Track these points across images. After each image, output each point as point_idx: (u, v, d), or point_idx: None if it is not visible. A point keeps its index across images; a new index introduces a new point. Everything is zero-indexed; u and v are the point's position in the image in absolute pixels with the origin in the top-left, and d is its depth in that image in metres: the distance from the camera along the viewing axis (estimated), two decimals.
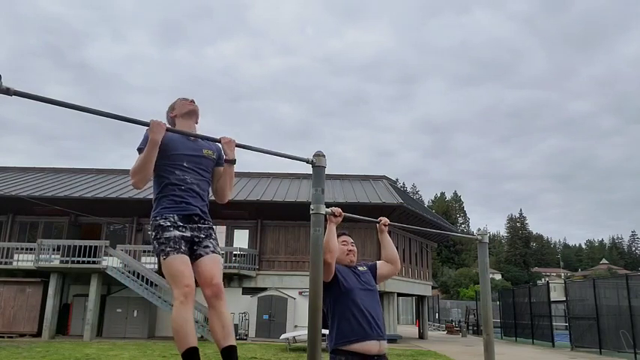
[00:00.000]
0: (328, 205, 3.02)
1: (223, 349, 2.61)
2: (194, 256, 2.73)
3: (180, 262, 2.59)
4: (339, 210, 3.11)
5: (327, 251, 2.98)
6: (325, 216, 3.04)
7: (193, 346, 2.52)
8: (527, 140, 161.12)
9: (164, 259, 2.62)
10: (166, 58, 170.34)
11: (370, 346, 2.97)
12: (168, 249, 2.61)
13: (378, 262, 3.46)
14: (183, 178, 2.76)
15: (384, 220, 3.47)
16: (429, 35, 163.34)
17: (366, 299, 3.07)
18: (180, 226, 2.69)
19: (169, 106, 3.08)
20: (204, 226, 2.81)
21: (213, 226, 2.92)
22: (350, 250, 3.26)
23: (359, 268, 3.25)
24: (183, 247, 2.65)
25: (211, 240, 2.81)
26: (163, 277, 2.70)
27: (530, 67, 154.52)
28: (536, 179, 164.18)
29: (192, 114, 3.01)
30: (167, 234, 2.64)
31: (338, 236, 3.21)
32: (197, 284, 2.68)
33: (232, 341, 2.63)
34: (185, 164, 2.79)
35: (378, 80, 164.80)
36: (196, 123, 3.05)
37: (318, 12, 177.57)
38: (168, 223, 2.67)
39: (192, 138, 2.91)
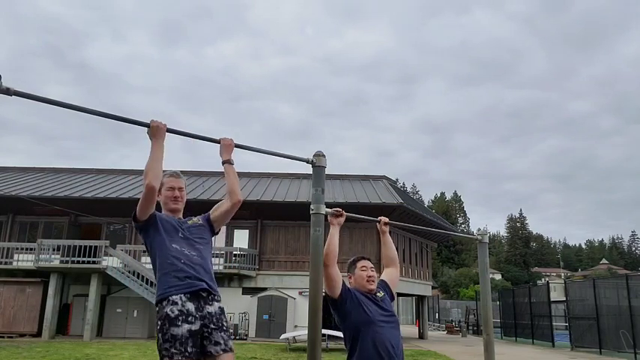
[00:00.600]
0: (328, 205, 3.02)
1: None
2: (204, 353, 2.60)
3: None
4: (341, 210, 3.10)
5: (324, 254, 2.94)
6: (326, 216, 3.05)
7: None
8: (527, 140, 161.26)
9: None
10: (166, 58, 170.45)
11: None
12: (173, 351, 2.48)
13: (384, 277, 3.37)
14: (181, 251, 2.72)
15: (384, 219, 3.43)
16: (429, 35, 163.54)
17: (387, 330, 2.97)
18: (189, 315, 2.57)
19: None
20: (212, 308, 2.67)
21: (222, 307, 2.79)
22: (370, 277, 3.09)
23: (377, 294, 3.13)
24: (189, 349, 2.51)
25: (222, 332, 2.66)
26: None
27: (530, 67, 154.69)
28: (536, 179, 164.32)
29: (176, 212, 2.95)
30: (174, 330, 2.51)
31: (358, 260, 3.16)
32: None
33: None
34: (180, 234, 2.79)
35: (377, 80, 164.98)
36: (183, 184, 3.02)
37: (318, 12, 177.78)
38: (177, 312, 2.54)
39: (177, 217, 2.92)
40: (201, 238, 2.87)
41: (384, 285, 3.28)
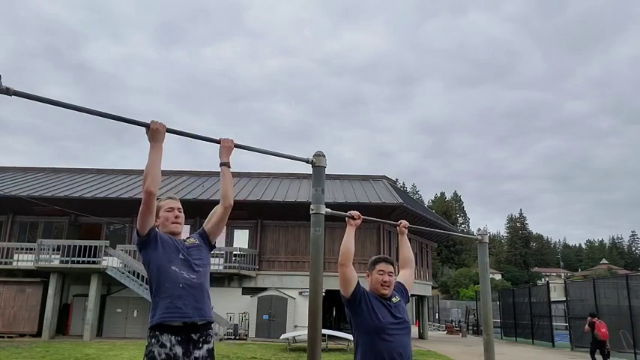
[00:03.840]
0: (328, 205, 3.02)
1: None
2: None
3: None
4: (358, 213, 3.15)
5: (341, 254, 2.98)
6: (332, 217, 3.07)
7: None
8: (525, 141, 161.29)
9: None
10: (165, 59, 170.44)
11: None
12: None
13: (400, 280, 3.36)
14: (181, 274, 2.72)
15: (404, 223, 3.60)
16: (426, 36, 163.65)
17: (397, 337, 2.95)
18: (173, 356, 2.60)
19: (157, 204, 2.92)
20: (200, 352, 2.69)
21: (212, 345, 2.79)
22: (385, 282, 3.05)
23: (393, 299, 3.11)
24: None
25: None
26: None
27: (527, 68, 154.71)
28: (535, 179, 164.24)
29: (176, 234, 2.93)
30: None
31: (378, 262, 3.13)
32: None
33: None
34: (180, 256, 2.78)
35: (375, 81, 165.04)
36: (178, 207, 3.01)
37: (316, 13, 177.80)
38: (164, 356, 2.58)
39: (176, 238, 2.90)
40: (199, 260, 2.85)
41: (400, 287, 3.27)
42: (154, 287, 2.72)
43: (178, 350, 2.60)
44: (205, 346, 2.71)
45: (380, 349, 2.87)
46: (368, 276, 3.16)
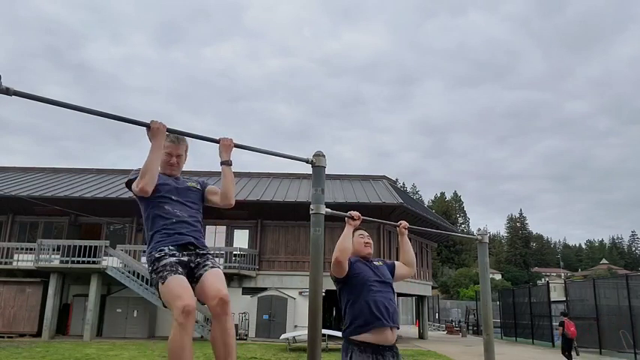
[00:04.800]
0: (328, 206, 3.02)
1: None
2: (195, 278, 2.68)
3: (177, 282, 2.51)
4: (358, 214, 3.23)
5: (338, 250, 3.07)
6: (333, 217, 3.10)
7: None
8: (525, 141, 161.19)
9: (162, 283, 2.54)
10: (165, 59, 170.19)
11: (383, 336, 3.06)
12: (165, 273, 2.55)
13: (396, 262, 3.56)
14: (173, 212, 2.80)
15: (404, 223, 3.64)
16: (426, 36, 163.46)
17: (380, 290, 3.15)
18: (175, 254, 2.67)
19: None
20: (201, 252, 2.79)
21: (211, 253, 2.90)
22: (367, 243, 3.36)
23: (374, 262, 3.34)
24: (180, 270, 2.60)
25: (209, 260, 2.78)
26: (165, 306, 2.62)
27: (527, 68, 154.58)
28: (535, 179, 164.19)
29: (171, 177, 2.97)
30: (163, 262, 2.61)
31: (356, 229, 3.33)
32: (202, 304, 2.68)
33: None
34: (173, 197, 2.85)
35: (375, 81, 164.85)
36: (185, 151, 3.05)
37: (316, 13, 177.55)
38: (163, 254, 2.65)
39: (176, 177, 2.98)
40: (193, 203, 2.95)
41: (389, 264, 3.46)
42: (149, 225, 2.82)
43: (177, 252, 2.71)
44: (205, 250, 2.82)
45: (367, 302, 3.07)
46: None
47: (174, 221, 2.77)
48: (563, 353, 13.90)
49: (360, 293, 3.10)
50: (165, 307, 2.59)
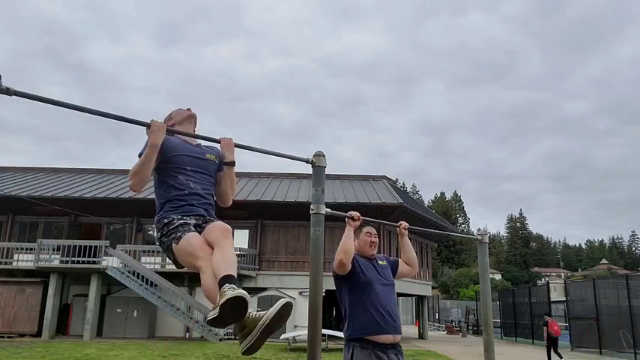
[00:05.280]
0: (328, 205, 3.02)
1: (222, 277, 2.36)
2: (200, 231, 2.67)
3: (193, 241, 2.52)
4: (358, 214, 3.21)
5: (342, 252, 3.08)
6: (333, 217, 3.09)
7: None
8: (525, 141, 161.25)
9: (177, 243, 2.55)
10: (164, 59, 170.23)
11: (384, 339, 3.08)
12: (179, 233, 2.56)
13: (399, 259, 3.55)
14: (187, 183, 2.73)
15: (404, 224, 3.62)
16: (426, 37, 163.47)
17: (383, 293, 3.14)
18: (185, 220, 2.66)
19: (166, 117, 2.98)
20: (209, 218, 2.77)
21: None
22: (372, 242, 3.32)
23: (379, 261, 3.31)
24: (192, 227, 2.60)
25: (216, 219, 2.75)
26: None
27: (527, 68, 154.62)
28: (535, 179, 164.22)
29: (191, 118, 2.95)
30: (172, 225, 2.61)
31: (362, 227, 3.32)
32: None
33: (233, 271, 2.40)
34: (188, 168, 2.77)
35: (375, 81, 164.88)
36: (195, 128, 3.01)
37: (316, 14, 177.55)
38: (171, 218, 2.64)
39: (194, 142, 2.90)
40: (209, 175, 2.86)
41: (392, 262, 3.45)
42: (160, 192, 2.76)
43: (189, 220, 2.66)
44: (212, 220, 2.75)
45: (369, 302, 3.07)
46: (354, 240, 3.31)
47: (187, 193, 2.72)
48: (548, 352, 14.61)
49: (362, 294, 3.08)
50: (179, 267, 2.58)
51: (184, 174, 2.74)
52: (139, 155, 2.66)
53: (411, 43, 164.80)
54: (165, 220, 2.65)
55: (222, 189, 2.94)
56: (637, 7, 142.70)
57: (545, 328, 14.69)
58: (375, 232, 3.39)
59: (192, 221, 2.66)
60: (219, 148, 2.91)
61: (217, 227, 2.56)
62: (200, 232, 2.63)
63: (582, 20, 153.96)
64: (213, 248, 2.51)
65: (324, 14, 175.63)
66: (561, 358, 14.32)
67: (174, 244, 2.56)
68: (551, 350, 14.60)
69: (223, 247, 2.48)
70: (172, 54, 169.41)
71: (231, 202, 2.98)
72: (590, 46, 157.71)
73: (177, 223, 2.60)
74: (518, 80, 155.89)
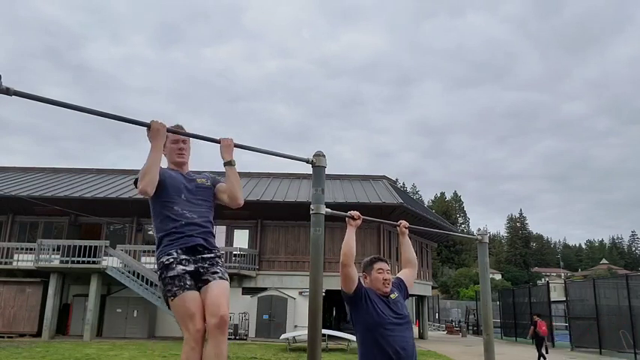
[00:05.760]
0: (328, 205, 3.02)
1: None
2: (202, 282, 2.68)
3: (189, 301, 2.56)
4: (358, 213, 3.18)
5: (344, 254, 3.02)
6: (334, 217, 3.08)
7: None
8: (524, 141, 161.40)
9: (172, 299, 2.59)
10: (164, 59, 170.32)
11: None
12: (175, 288, 2.58)
13: (400, 276, 3.43)
14: (182, 213, 2.75)
15: (404, 223, 3.60)
16: (424, 37, 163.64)
17: (398, 332, 2.99)
18: (183, 259, 2.65)
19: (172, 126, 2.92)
20: (208, 255, 2.76)
21: (220, 255, 2.88)
22: (385, 280, 3.15)
23: (391, 295, 3.17)
24: (188, 283, 2.61)
25: (218, 267, 2.76)
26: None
27: (525, 69, 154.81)
28: (534, 180, 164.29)
29: (181, 165, 2.95)
30: (171, 272, 2.61)
31: (375, 262, 3.21)
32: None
33: None
34: (183, 197, 2.79)
35: (374, 82, 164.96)
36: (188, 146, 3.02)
37: (314, 15, 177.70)
38: (172, 259, 2.64)
39: (185, 171, 2.92)
40: (204, 200, 2.89)
41: (399, 283, 3.34)
42: (157, 225, 2.78)
43: (185, 256, 2.69)
44: (213, 253, 2.80)
45: (382, 344, 2.92)
46: (365, 277, 3.21)
47: (184, 223, 2.72)
48: (538, 350, 14.91)
49: (376, 335, 2.94)
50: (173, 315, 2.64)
51: (179, 204, 2.76)
52: (135, 181, 2.73)
53: (410, 44, 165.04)
54: (165, 261, 2.65)
55: (229, 190, 2.95)
56: (634, 8, 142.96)
57: (532, 327, 15.17)
58: (388, 268, 3.23)
59: (191, 267, 2.66)
60: (219, 149, 2.93)
61: (215, 307, 2.58)
62: (200, 274, 2.66)
63: (579, 21, 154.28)
64: (205, 304, 2.59)
65: (323, 15, 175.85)
66: (544, 357, 14.72)
67: (169, 298, 2.61)
68: (542, 347, 14.97)
69: (217, 344, 2.56)
70: (172, 54, 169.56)
71: (241, 201, 2.97)
72: (588, 47, 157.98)
73: (174, 274, 2.61)
74: (517, 81, 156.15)
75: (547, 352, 14.87)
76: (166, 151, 2.90)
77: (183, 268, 2.63)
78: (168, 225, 2.72)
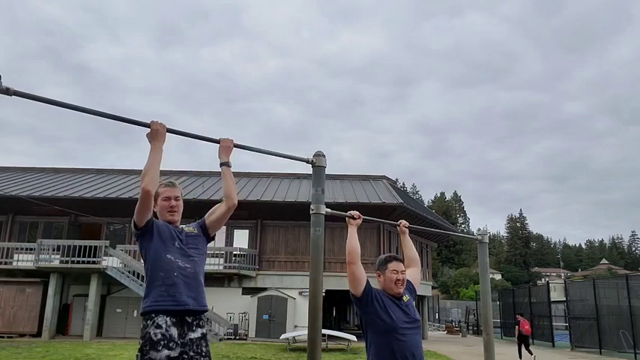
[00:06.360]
0: (328, 205, 3.02)
1: None
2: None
3: None
4: (358, 213, 3.17)
5: (348, 253, 2.99)
6: (334, 217, 3.08)
7: None
8: (523, 141, 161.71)
9: None
10: (163, 60, 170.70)
11: None
12: None
13: (409, 277, 3.32)
14: (175, 262, 2.73)
15: (404, 222, 3.60)
16: (423, 38, 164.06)
17: (410, 336, 2.93)
18: (171, 340, 2.62)
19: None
20: (195, 335, 2.72)
21: (205, 322, 2.87)
22: (399, 280, 3.04)
23: (404, 297, 3.10)
24: None
25: (202, 357, 2.73)
26: None
27: (524, 69, 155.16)
28: (534, 180, 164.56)
29: (172, 223, 2.94)
30: (153, 355, 2.59)
31: (390, 261, 3.11)
32: None
33: None
34: (176, 244, 2.79)
35: (373, 82, 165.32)
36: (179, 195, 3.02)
37: (313, 15, 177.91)
38: (159, 337, 2.60)
39: (172, 225, 2.90)
40: (196, 249, 2.87)
41: (409, 286, 3.25)
42: (148, 274, 2.75)
43: (173, 331, 2.64)
44: (199, 330, 2.76)
45: (394, 349, 2.85)
46: (379, 276, 3.11)
47: (175, 275, 2.70)
48: (519, 349, 15.04)
49: (389, 339, 2.88)
50: None
51: (171, 252, 2.75)
52: (134, 224, 2.76)
53: (409, 44, 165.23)
54: (152, 334, 2.62)
55: (225, 189, 3.01)
56: (633, 8, 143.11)
57: (517, 327, 15.28)
58: (403, 268, 3.09)
59: (177, 351, 2.62)
60: (218, 149, 2.94)
61: None
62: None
63: (578, 22, 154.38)
64: None
65: (322, 15, 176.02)
66: (532, 354, 14.72)
67: None
68: (522, 347, 15.10)
69: None
70: (171, 55, 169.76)
71: (236, 201, 2.99)
72: (587, 47, 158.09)
73: (155, 357, 2.58)
74: (516, 81, 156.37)
75: (531, 353, 14.85)
76: (157, 208, 2.90)
77: (168, 353, 2.59)
78: (159, 274, 2.69)
